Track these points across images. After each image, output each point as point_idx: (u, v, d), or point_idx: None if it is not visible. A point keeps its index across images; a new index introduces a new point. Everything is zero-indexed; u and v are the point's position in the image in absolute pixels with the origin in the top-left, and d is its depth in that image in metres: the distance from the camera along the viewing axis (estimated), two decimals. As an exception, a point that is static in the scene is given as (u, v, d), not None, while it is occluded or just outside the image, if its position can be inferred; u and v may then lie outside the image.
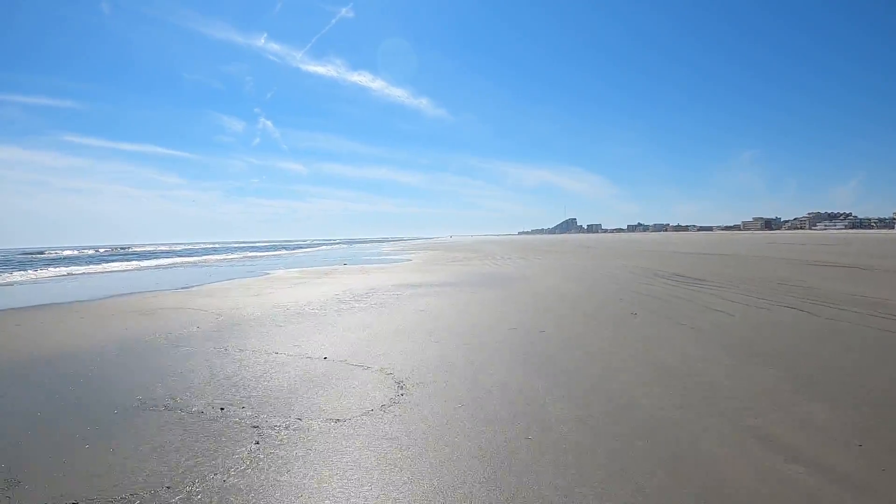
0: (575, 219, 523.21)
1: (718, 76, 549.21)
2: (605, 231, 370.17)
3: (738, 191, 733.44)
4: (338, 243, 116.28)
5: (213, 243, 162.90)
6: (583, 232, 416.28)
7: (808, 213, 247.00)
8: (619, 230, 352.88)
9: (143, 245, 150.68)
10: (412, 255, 37.38)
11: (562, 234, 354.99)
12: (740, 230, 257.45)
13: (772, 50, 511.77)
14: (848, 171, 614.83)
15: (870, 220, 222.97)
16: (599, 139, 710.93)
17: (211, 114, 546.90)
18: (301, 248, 79.97)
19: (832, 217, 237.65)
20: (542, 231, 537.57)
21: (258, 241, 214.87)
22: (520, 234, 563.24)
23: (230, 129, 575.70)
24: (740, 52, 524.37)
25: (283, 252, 57.09)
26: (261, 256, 44.87)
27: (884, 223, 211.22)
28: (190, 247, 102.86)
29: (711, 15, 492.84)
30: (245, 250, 67.67)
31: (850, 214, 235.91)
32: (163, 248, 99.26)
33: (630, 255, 31.20)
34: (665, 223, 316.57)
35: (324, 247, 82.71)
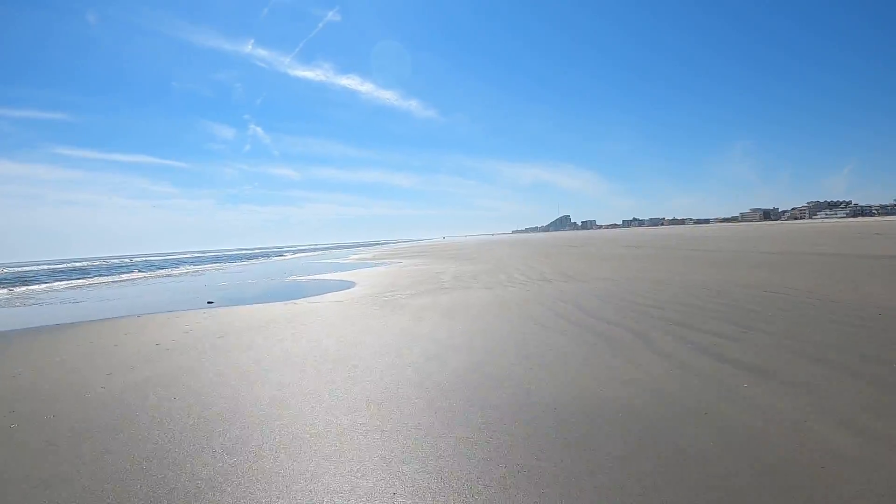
0: (569, 215, 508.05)
1: (709, 68, 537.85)
2: (600, 227, 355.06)
3: (732, 182, 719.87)
4: (320, 249, 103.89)
5: (191, 253, 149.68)
6: (577, 229, 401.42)
7: (808, 203, 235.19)
8: (614, 226, 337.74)
9: (134, 256, 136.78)
10: (372, 271, 22.43)
11: (557, 232, 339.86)
12: (738, 222, 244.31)
13: (761, 41, 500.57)
14: (840, 160, 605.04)
15: (871, 207, 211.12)
16: (591, 135, 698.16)
17: (201, 122, 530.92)
18: (269, 256, 67.67)
19: (832, 206, 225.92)
20: (535, 229, 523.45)
21: (245, 249, 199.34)
22: (514, 232, 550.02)
23: (220, 136, 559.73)
24: (730, 43, 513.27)
25: (225, 266, 42.02)
26: (146, 279, 29.19)
27: (886, 210, 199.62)
28: (149, 259, 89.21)
29: (701, 8, 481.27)
30: (194, 263, 53.50)
31: (850, 203, 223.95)
32: (126, 260, 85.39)
33: (743, 261, 16.15)
34: (661, 217, 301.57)
35: (302, 254, 70.37)
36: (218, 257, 73.40)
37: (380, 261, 32.31)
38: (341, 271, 23.87)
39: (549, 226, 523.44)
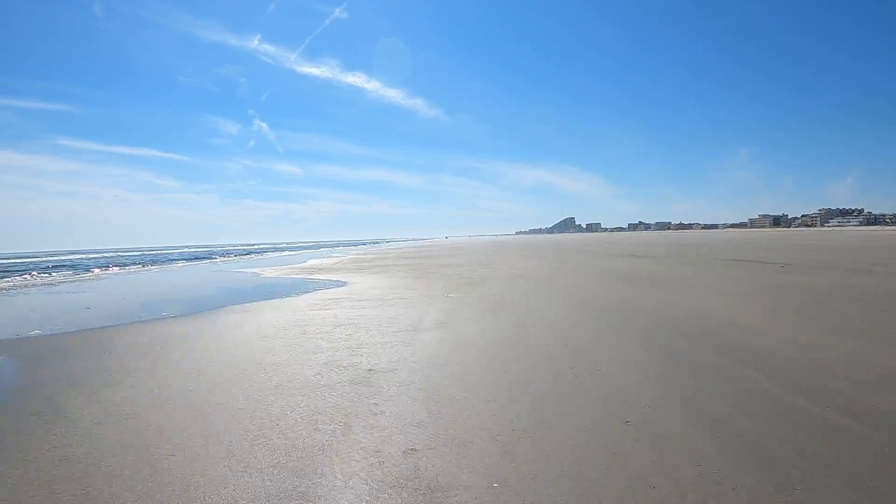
0: (573, 218, 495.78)
1: (713, 74, 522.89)
2: (605, 230, 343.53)
3: (735, 188, 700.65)
4: (305, 248, 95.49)
5: (179, 248, 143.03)
6: (581, 231, 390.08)
7: (819, 210, 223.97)
8: (620, 229, 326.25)
9: (122, 250, 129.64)
10: (228, 323, 12.64)
11: (562, 234, 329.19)
12: (747, 227, 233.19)
13: (766, 48, 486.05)
14: (844, 168, 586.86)
15: (884, 215, 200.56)
16: (595, 138, 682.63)
17: (205, 116, 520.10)
18: (250, 253, 60.08)
19: (844, 213, 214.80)
20: (539, 231, 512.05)
21: (238, 245, 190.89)
22: (517, 233, 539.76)
23: (225, 131, 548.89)
24: (735, 49, 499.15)
25: (112, 274, 32.59)
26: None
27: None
28: (124, 253, 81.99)
29: (706, 13, 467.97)
30: (154, 261, 45.99)
31: (862, 211, 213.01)
32: (92, 254, 77.51)
33: None
34: (667, 221, 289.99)
35: (273, 254, 61.66)
36: (196, 254, 66.31)
37: (319, 277, 22.24)
38: (172, 319, 14.07)
39: (552, 227, 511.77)
